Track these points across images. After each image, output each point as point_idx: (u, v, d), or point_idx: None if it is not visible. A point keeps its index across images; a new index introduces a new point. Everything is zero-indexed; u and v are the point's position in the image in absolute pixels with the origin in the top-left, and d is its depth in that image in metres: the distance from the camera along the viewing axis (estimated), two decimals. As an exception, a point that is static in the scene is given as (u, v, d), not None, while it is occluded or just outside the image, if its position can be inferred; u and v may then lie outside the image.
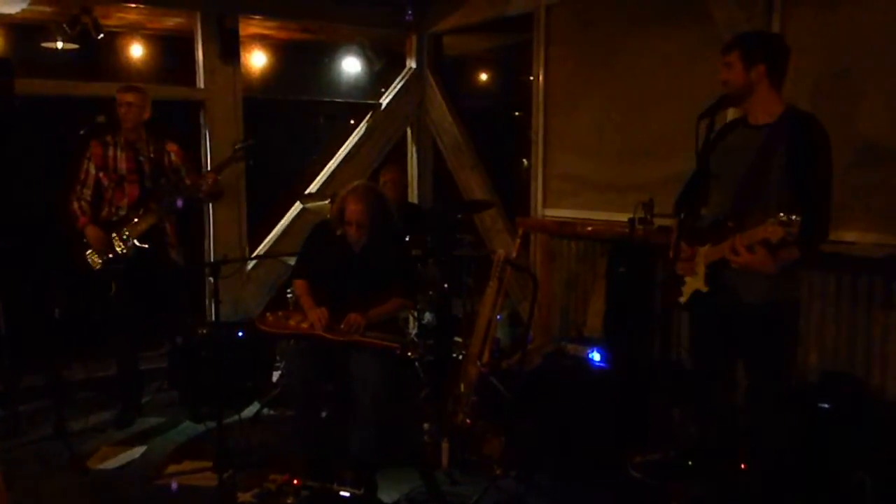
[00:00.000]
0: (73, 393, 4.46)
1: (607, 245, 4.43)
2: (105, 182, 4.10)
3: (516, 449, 3.54)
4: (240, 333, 4.57)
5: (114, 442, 3.97)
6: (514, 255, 4.01)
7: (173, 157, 4.22)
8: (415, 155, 6.31)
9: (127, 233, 4.02)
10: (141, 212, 4.04)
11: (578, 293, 4.80)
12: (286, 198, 5.65)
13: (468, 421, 3.50)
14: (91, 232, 4.03)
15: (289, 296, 4.51)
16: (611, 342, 3.95)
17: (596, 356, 3.88)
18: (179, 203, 4.11)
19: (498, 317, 3.76)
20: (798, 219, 2.24)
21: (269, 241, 5.63)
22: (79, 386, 4.57)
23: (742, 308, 2.65)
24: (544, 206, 5.02)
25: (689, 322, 2.66)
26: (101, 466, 3.67)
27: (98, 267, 4.03)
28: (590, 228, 4.51)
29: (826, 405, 3.05)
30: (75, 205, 4.09)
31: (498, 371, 4.16)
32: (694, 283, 2.74)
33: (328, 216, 4.46)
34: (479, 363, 3.57)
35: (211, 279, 3.52)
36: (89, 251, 4.04)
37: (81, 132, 4.01)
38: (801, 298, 2.83)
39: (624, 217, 3.82)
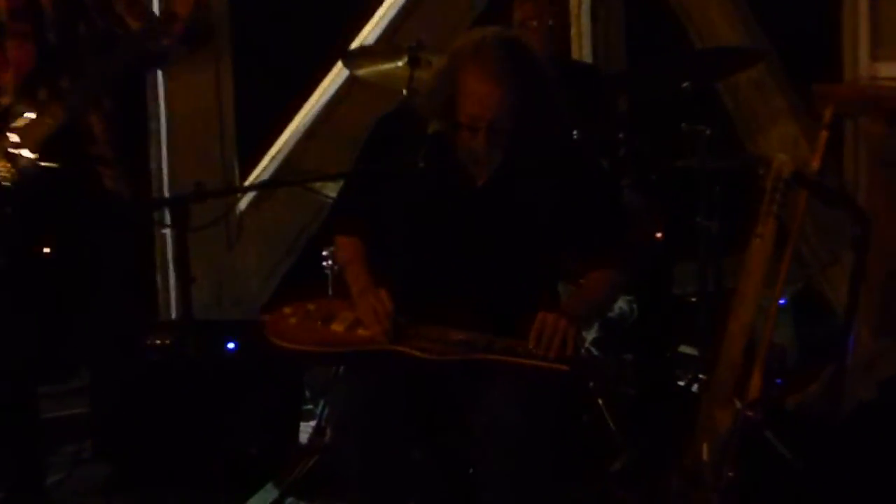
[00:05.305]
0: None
1: None
2: None
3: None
4: (230, 345, 4.80)
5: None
6: (814, 166, 3.87)
7: None
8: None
9: (15, 141, 4.19)
10: (41, 97, 4.23)
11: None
12: (315, 60, 5.81)
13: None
14: None
15: (326, 264, 4.67)
16: None
17: None
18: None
19: (781, 301, 3.79)
20: None
21: (279, 151, 5.86)
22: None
23: None
24: (873, 56, 5.07)
25: None
26: None
27: None
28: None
29: None
30: None
31: (780, 415, 4.27)
32: None
33: (405, 98, 4.64)
34: (738, 401, 3.54)
35: (167, 233, 3.59)
36: None
37: None
38: None
39: None
